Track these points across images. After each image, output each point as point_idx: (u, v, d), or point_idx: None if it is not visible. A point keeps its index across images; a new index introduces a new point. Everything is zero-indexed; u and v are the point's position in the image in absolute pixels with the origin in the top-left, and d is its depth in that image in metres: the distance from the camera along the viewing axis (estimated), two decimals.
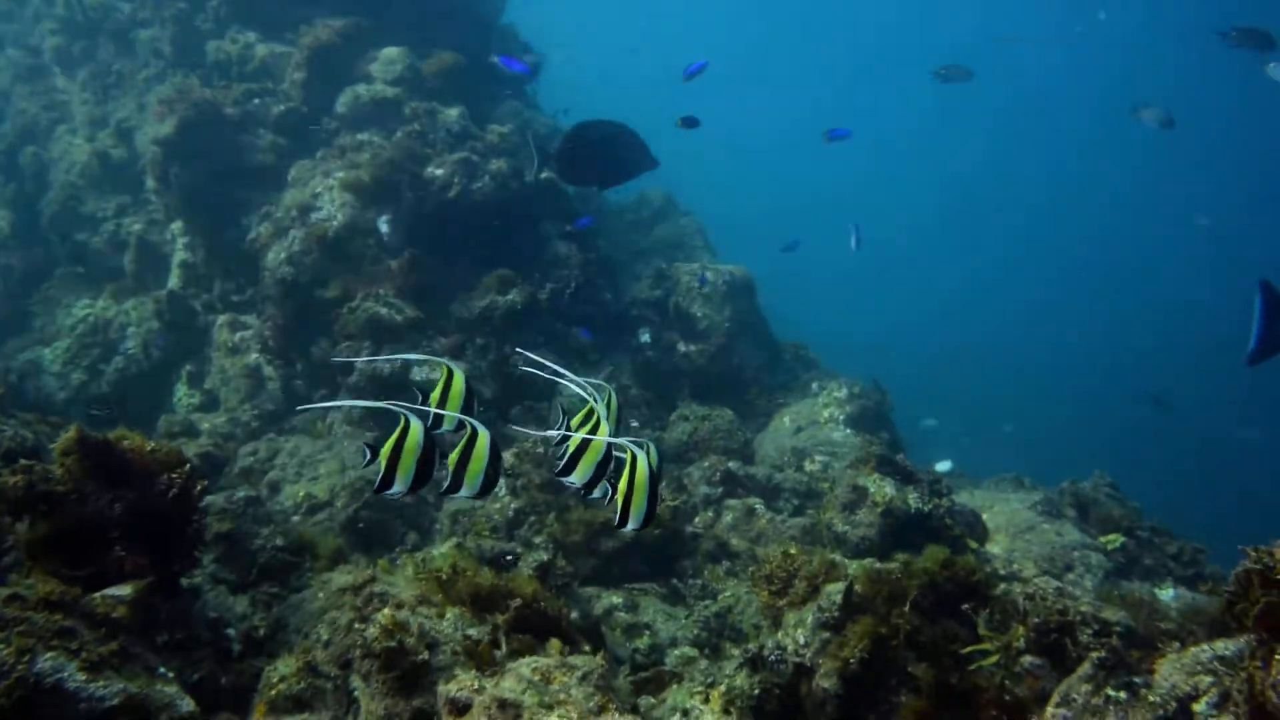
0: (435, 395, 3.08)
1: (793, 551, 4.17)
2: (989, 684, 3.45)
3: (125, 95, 9.11)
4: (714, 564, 5.78)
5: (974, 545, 5.57)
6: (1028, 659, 3.99)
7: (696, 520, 6.25)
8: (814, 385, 8.55)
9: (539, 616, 3.74)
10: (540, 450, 6.25)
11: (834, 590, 3.93)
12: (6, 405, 4.94)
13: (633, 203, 11.12)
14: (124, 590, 3.19)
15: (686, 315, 8.64)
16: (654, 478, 2.70)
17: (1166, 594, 6.00)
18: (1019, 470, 7.72)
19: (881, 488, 5.30)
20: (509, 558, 5.00)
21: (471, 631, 3.40)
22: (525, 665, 2.70)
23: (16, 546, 3.19)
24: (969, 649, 3.57)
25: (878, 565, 4.06)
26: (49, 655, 2.79)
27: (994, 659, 3.67)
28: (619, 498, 2.63)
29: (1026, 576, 5.56)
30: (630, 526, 2.64)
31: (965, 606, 4.07)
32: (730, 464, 6.72)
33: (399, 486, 2.67)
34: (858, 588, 3.94)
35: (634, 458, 2.66)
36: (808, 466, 7.37)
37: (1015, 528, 6.25)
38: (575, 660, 2.68)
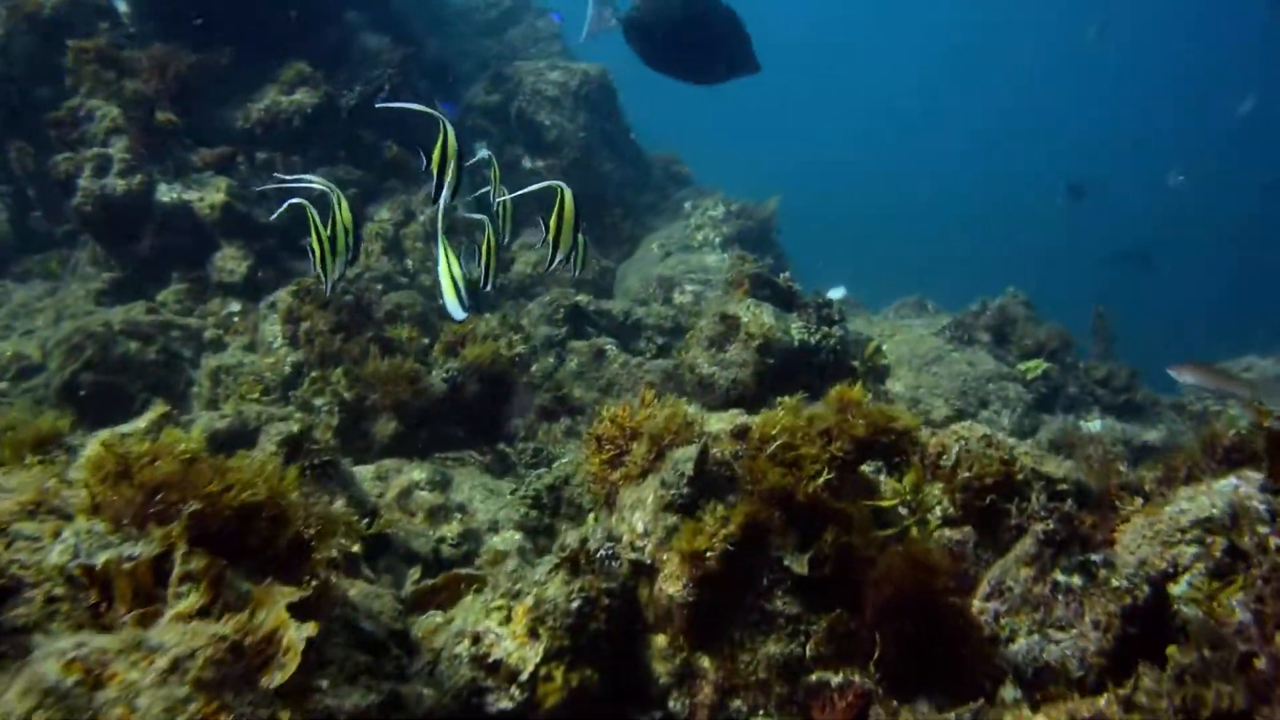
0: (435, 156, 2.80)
1: (647, 397, 2.98)
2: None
3: None
4: (551, 422, 4.58)
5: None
6: (946, 532, 2.94)
7: (534, 368, 5.00)
8: (686, 205, 7.26)
9: (268, 524, 2.47)
10: (324, 288, 4.86)
11: (684, 457, 2.75)
12: None
13: (480, 2, 9.42)
14: None
15: (532, 124, 7.17)
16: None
17: (1093, 425, 5.07)
18: (922, 293, 6.65)
19: (757, 316, 4.09)
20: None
21: (98, 559, 2.10)
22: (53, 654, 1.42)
23: None
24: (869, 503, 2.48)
25: (745, 419, 2.89)
26: None
27: (894, 529, 2.60)
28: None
29: (938, 419, 4.51)
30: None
31: (867, 467, 2.98)
32: (578, 297, 5.44)
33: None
34: (716, 451, 2.77)
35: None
36: (677, 298, 6.16)
37: (920, 359, 5.17)
38: (157, 636, 1.43)
